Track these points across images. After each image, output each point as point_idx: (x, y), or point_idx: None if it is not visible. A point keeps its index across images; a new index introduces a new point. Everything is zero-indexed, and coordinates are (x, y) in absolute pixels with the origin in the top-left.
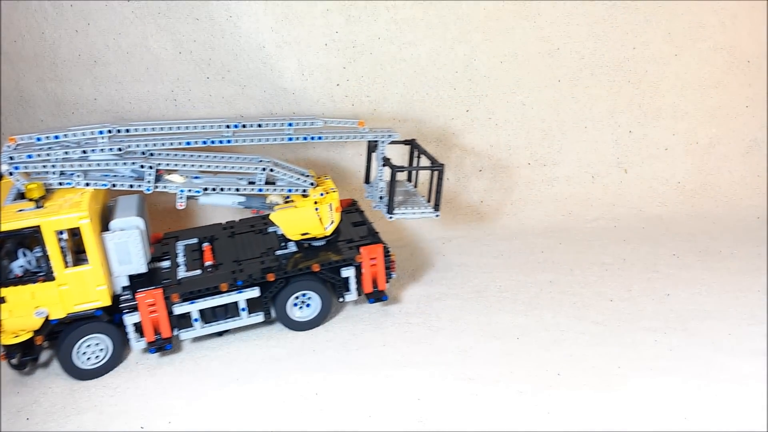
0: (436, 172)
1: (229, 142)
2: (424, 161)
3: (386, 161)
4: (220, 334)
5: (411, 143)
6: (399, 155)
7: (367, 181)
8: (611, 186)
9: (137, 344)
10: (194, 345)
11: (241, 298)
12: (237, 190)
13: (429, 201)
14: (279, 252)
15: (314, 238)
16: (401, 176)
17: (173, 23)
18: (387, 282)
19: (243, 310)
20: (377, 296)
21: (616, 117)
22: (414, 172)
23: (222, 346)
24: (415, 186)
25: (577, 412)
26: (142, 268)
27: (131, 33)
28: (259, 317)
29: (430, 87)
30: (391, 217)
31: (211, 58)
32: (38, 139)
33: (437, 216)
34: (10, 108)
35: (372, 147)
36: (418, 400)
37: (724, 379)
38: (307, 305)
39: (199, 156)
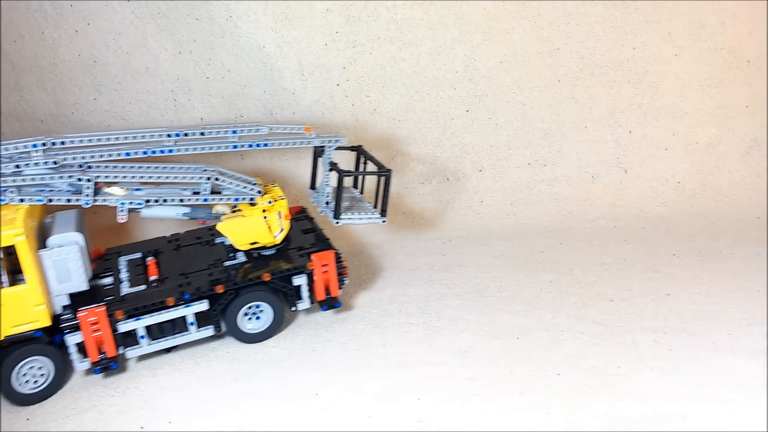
0: (383, 178)
1: (171, 151)
2: (372, 168)
3: (333, 166)
4: (168, 350)
5: (357, 149)
6: (345, 162)
7: (312, 186)
8: (611, 186)
9: (81, 365)
10: (194, 345)
11: (189, 312)
12: (181, 201)
13: (376, 207)
14: (227, 263)
15: (264, 247)
16: (347, 182)
17: (173, 23)
18: (340, 288)
19: (191, 324)
20: (330, 303)
21: (616, 117)
22: (360, 179)
23: (222, 346)
24: (361, 192)
25: (577, 412)
26: (82, 285)
27: (131, 33)
28: (209, 331)
29: (430, 87)
30: (337, 222)
31: (211, 58)
32: None
33: (384, 222)
34: (10, 108)
35: (318, 152)
36: (418, 400)
37: (724, 379)
38: (259, 317)
39: (140, 167)
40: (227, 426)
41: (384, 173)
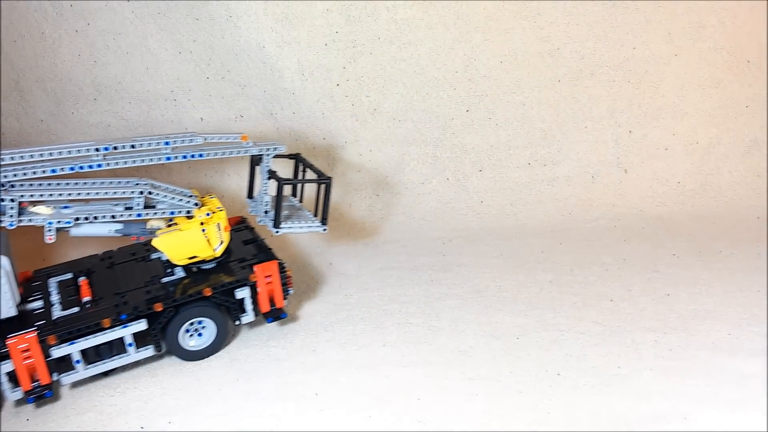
0: (323, 186)
1: (99, 166)
2: (311, 176)
3: (272, 174)
4: (106, 374)
5: (296, 157)
6: (282, 170)
7: (250, 195)
8: (611, 186)
9: (13, 395)
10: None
11: (126, 332)
12: (113, 217)
13: (316, 215)
14: (165, 279)
15: (203, 261)
16: (286, 191)
17: (173, 23)
18: (285, 299)
19: (130, 345)
20: (275, 315)
21: (616, 117)
22: (299, 187)
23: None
24: (300, 201)
25: (577, 412)
26: (11, 311)
27: (131, 33)
28: (149, 351)
29: (430, 87)
30: (277, 232)
31: (211, 58)
32: None
33: (324, 230)
34: (10, 108)
35: (256, 161)
36: (418, 400)
37: (724, 379)
38: (201, 333)
39: (68, 183)
40: (227, 426)
41: (324, 181)
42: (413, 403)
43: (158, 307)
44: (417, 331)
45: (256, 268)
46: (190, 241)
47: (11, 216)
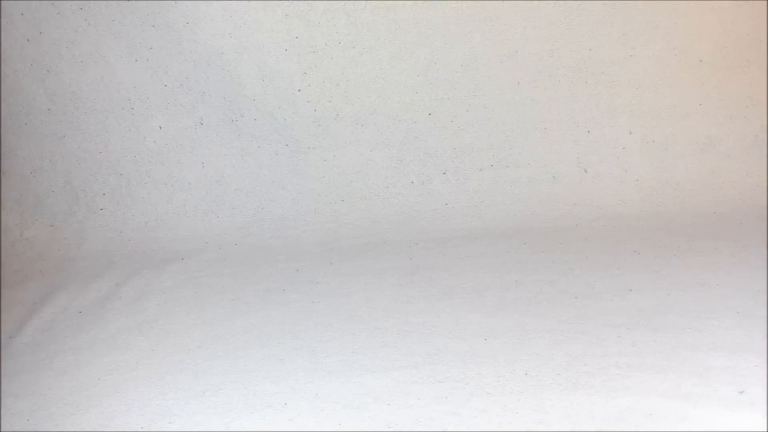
0: None
1: None
2: None
3: None
4: None
5: None
6: None
7: None
8: (572, 186)
9: None
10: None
11: None
12: None
13: None
14: None
15: None
16: None
17: (128, 30)
18: None
19: None
20: None
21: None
22: None
23: (188, 358)
24: None
25: (555, 411)
26: None
27: (85, 41)
28: None
29: (391, 91)
30: None
31: (169, 65)
32: None
33: None
34: None
35: None
36: (387, 405)
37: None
38: None
39: None
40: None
41: None
42: (383, 408)
43: None
44: (386, 336)
45: None
46: None
47: None
